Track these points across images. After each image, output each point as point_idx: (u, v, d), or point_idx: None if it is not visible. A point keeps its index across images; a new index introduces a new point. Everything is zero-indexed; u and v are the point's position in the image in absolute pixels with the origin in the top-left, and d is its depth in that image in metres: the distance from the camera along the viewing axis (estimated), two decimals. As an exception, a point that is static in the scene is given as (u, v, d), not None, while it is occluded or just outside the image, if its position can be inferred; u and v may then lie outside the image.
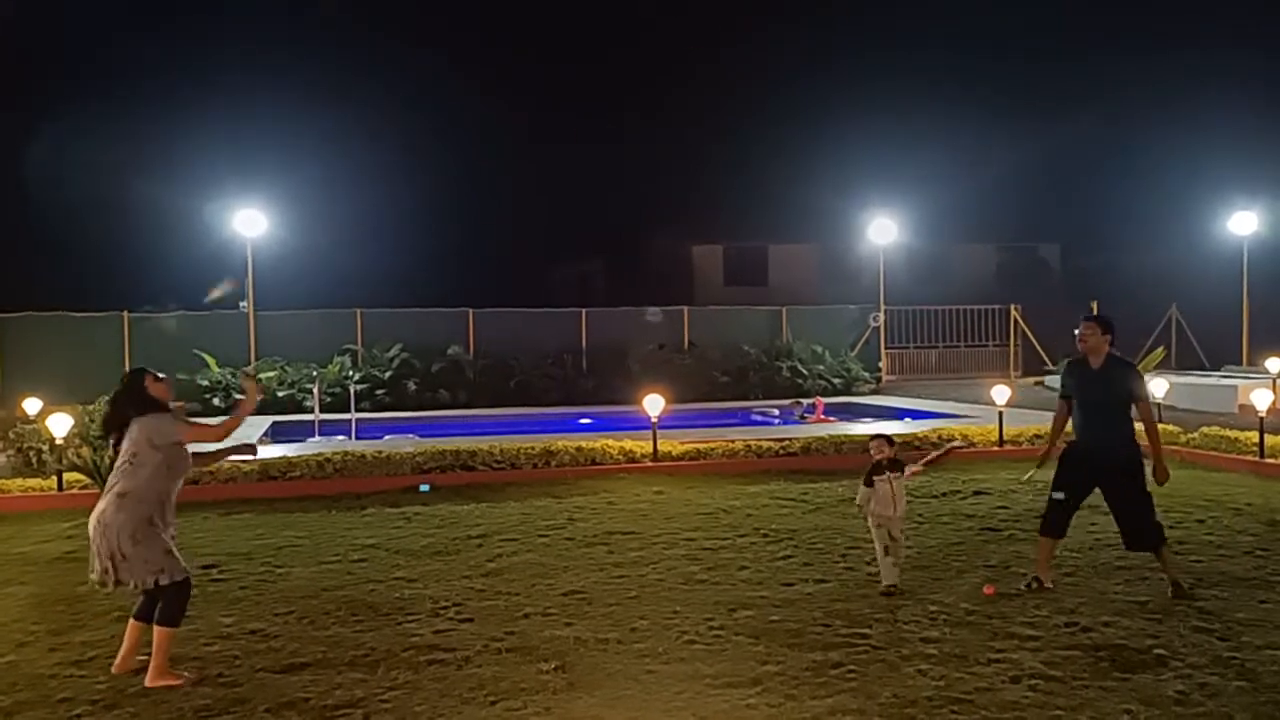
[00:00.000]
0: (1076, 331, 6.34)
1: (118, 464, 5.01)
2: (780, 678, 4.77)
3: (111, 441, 5.15)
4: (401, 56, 38.29)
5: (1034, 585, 6.22)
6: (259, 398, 5.29)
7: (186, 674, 4.91)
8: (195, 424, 5.35)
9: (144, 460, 4.95)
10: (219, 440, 5.29)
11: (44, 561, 7.40)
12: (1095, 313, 6.32)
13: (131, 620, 5.06)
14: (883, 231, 24.51)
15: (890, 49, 39.07)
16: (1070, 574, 6.57)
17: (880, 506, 6.17)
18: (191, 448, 5.23)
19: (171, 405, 5.24)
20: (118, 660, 5.03)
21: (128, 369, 5.43)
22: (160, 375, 5.24)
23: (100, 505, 4.97)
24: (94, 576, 4.94)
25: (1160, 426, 12.70)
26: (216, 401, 18.65)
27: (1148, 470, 6.14)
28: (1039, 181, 33.53)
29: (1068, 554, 7.07)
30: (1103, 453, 6.13)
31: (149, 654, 4.89)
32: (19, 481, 10.02)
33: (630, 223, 34.21)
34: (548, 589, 6.40)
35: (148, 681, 4.80)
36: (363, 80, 37.06)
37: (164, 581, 4.88)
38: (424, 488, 10.26)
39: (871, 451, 6.35)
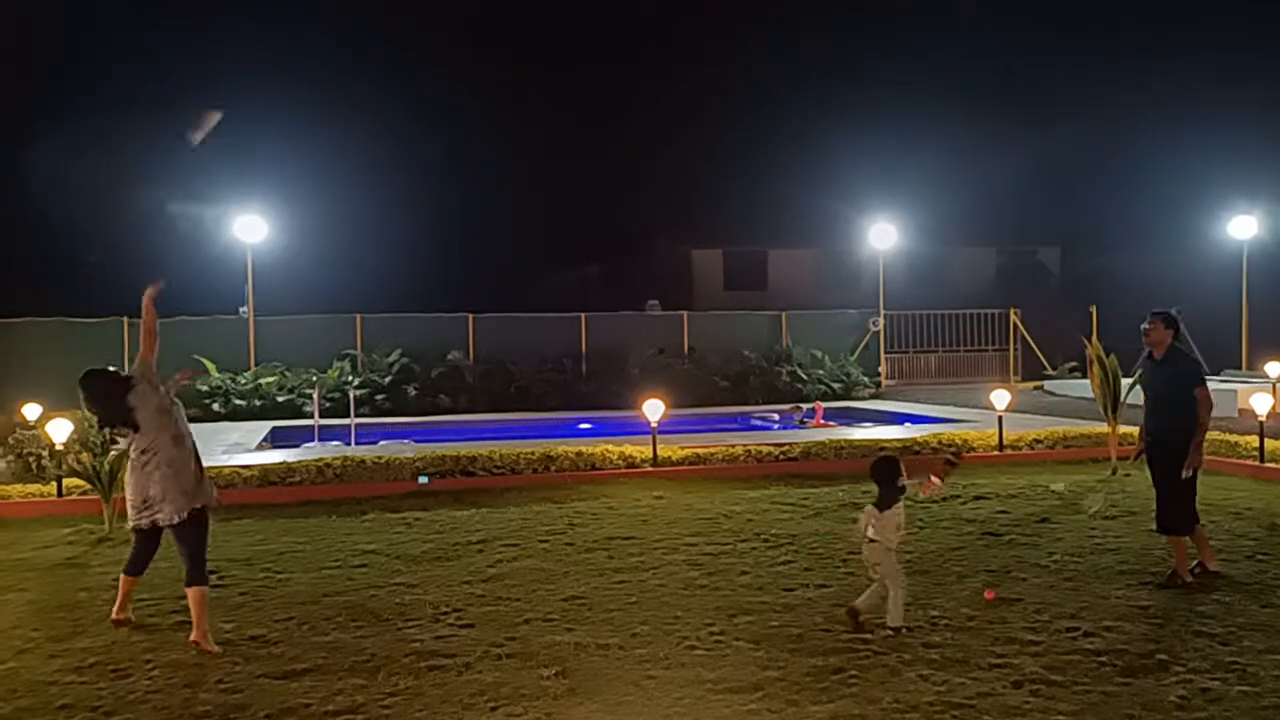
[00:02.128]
0: (1143, 326, 6.74)
1: (147, 426, 5.62)
2: (781, 683, 4.77)
3: (109, 432, 5.95)
4: (402, 63, 38.38)
5: (1195, 571, 6.54)
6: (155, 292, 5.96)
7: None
8: (145, 348, 5.84)
9: (165, 412, 5.67)
10: (149, 330, 5.90)
11: (44, 567, 7.39)
12: (1158, 311, 6.80)
13: (124, 575, 5.85)
14: (882, 236, 24.50)
15: (890, 54, 39.13)
16: (1071, 579, 6.57)
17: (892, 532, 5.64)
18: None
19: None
20: (115, 609, 5.83)
21: (87, 371, 5.91)
22: (111, 368, 5.93)
23: (157, 457, 5.61)
24: (145, 519, 5.65)
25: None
26: (216, 406, 18.64)
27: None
28: (1039, 185, 33.55)
29: (1068, 559, 7.07)
30: (1157, 439, 6.61)
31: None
32: (19, 487, 10.01)
33: (630, 227, 34.25)
34: (548, 594, 6.39)
35: (193, 637, 5.41)
36: (363, 86, 37.06)
37: (213, 505, 5.78)
38: (423, 479, 10.32)
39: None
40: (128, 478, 5.76)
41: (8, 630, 5.83)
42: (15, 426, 12.58)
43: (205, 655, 5.29)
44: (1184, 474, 6.41)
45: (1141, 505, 9.07)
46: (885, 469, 5.73)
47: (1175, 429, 6.48)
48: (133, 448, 5.68)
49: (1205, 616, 5.69)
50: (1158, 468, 6.63)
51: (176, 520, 5.62)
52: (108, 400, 5.67)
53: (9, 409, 14.61)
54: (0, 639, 5.65)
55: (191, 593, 5.54)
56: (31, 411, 13.48)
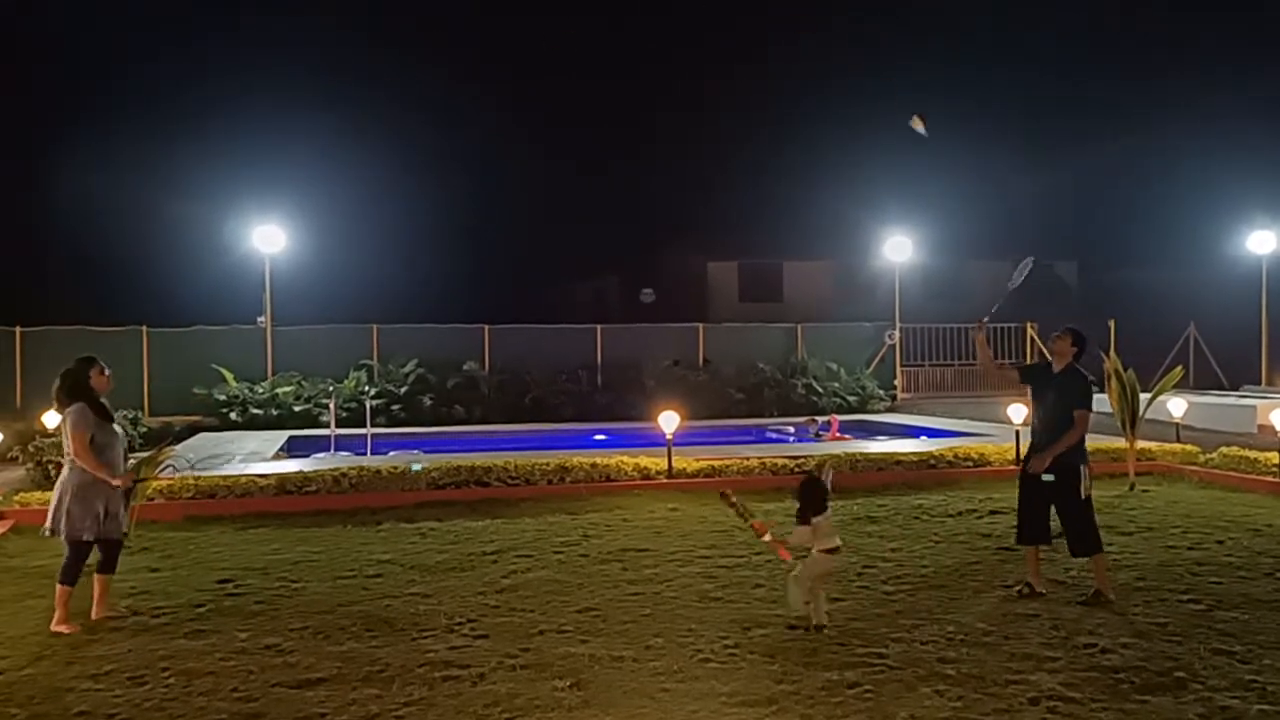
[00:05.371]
0: (1053, 334, 6.81)
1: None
2: (795, 697, 4.75)
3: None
4: (418, 75, 38.59)
5: (1024, 591, 6.54)
6: (117, 483, 6.21)
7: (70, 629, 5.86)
8: (78, 438, 6.07)
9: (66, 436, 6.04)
10: (84, 463, 6.04)
11: (62, 574, 7.43)
12: (1072, 327, 6.92)
13: (95, 575, 6.17)
14: (898, 248, 24.46)
15: (907, 66, 39.09)
16: (1088, 594, 6.51)
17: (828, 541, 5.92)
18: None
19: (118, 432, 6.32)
20: (93, 611, 6.13)
21: (77, 360, 6.46)
22: (106, 370, 6.29)
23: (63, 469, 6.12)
24: (45, 525, 6.13)
25: (1179, 446, 12.73)
26: (234, 415, 18.75)
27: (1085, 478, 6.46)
28: (1056, 198, 33.45)
29: (1085, 574, 7.00)
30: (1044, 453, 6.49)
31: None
32: (37, 494, 10.08)
33: (646, 239, 34.30)
34: (562, 605, 6.40)
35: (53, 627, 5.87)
36: (380, 98, 37.33)
37: (87, 538, 6.01)
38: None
39: (826, 474, 6.16)
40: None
41: (25, 636, 5.87)
42: (35, 434, 12.69)
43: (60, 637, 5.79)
44: (1031, 470, 6.47)
45: (1160, 521, 9.01)
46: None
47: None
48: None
49: (1224, 634, 5.64)
50: (1056, 493, 6.47)
51: (48, 527, 6.17)
52: (72, 389, 6.24)
53: (29, 416, 14.74)
54: (18, 645, 5.70)
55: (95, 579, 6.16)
56: (51, 419, 13.58)
